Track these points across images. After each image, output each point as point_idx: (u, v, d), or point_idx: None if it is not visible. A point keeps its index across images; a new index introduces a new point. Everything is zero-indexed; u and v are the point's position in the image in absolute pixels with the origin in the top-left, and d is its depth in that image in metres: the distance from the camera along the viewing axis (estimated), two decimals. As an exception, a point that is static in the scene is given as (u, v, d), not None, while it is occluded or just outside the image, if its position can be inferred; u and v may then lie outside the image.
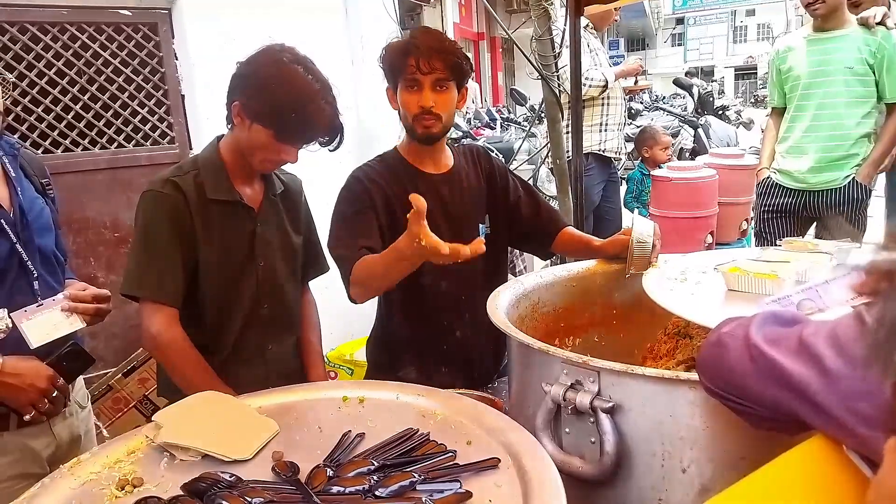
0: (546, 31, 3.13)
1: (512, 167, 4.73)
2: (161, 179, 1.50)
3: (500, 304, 1.46)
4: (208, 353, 1.51)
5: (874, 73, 2.76)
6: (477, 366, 1.81)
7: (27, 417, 1.36)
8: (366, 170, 1.71)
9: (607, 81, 3.70)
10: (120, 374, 2.39)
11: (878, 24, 2.77)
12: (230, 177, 1.55)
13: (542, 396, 1.14)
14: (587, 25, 3.67)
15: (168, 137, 2.80)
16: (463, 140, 5.69)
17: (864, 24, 2.79)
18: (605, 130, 3.83)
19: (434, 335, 1.76)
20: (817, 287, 1.10)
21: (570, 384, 1.11)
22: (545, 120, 3.58)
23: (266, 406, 1.17)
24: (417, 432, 1.01)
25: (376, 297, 1.82)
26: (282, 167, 1.67)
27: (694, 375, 0.96)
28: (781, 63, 2.97)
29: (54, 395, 1.39)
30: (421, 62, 1.57)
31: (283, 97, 1.42)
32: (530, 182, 4.81)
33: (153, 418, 1.07)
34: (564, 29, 3.02)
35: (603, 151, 3.84)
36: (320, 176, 2.04)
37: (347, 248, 1.53)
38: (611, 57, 4.85)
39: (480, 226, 1.79)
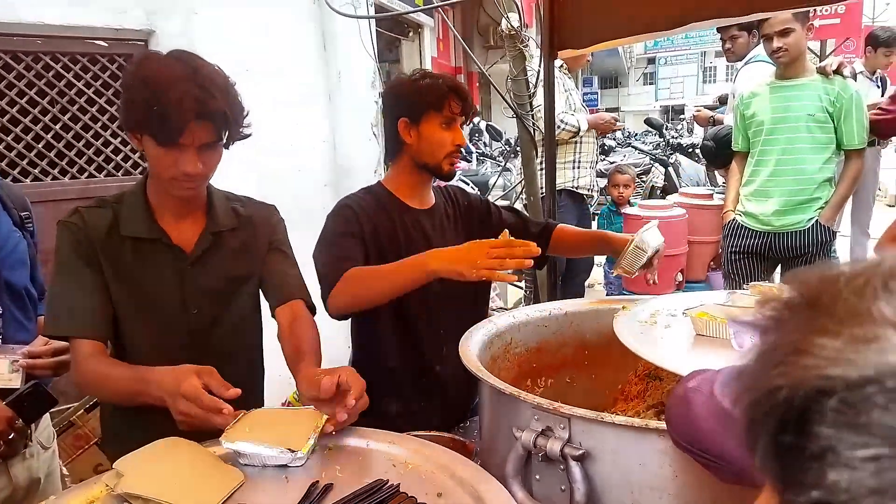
0: (521, 72, 3.19)
1: (486, 202, 4.77)
2: (73, 209, 1.37)
3: (473, 346, 1.45)
4: None
5: (833, 120, 2.86)
6: (452, 400, 1.80)
7: (-19, 459, 1.31)
8: (355, 199, 1.74)
9: (579, 128, 3.78)
10: (82, 410, 2.32)
11: (835, 72, 2.88)
12: (154, 212, 1.39)
13: (512, 442, 1.13)
14: (561, 66, 3.75)
15: (140, 168, 2.77)
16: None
17: (822, 72, 2.90)
18: (578, 168, 3.90)
19: (414, 368, 1.76)
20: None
21: (540, 430, 1.10)
22: (520, 154, 3.63)
23: (230, 453, 1.14)
24: (387, 484, 1.00)
25: (350, 330, 1.83)
26: (251, 198, 1.58)
27: (663, 424, 0.97)
28: (745, 109, 3.06)
29: (11, 437, 1.34)
30: (464, 105, 1.68)
31: (141, 95, 1.24)
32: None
33: (114, 465, 1.04)
34: (539, 69, 3.09)
35: (576, 188, 3.91)
36: (297, 207, 2.03)
37: (333, 263, 1.56)
38: (585, 94, 4.97)
39: None
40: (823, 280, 0.35)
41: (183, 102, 1.22)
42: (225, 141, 1.34)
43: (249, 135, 1.38)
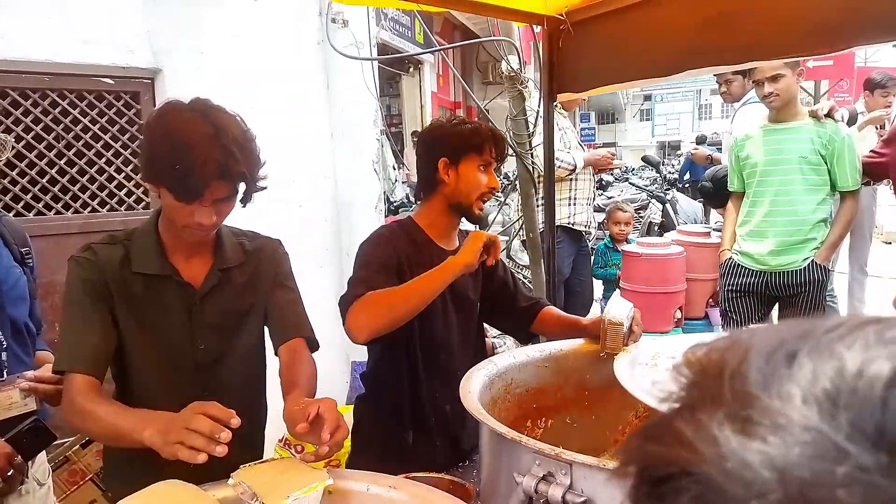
0: (521, 112, 3.24)
1: (485, 237, 4.81)
2: (85, 245, 1.39)
3: (473, 387, 1.45)
4: None
5: (826, 163, 2.90)
6: (458, 438, 1.81)
7: (-22, 497, 1.30)
8: (392, 228, 1.83)
9: (576, 166, 3.83)
10: (78, 446, 2.30)
11: (826, 116, 2.93)
12: (165, 249, 1.41)
13: (513, 487, 1.13)
14: (556, 105, 3.81)
15: (143, 203, 2.80)
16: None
17: (814, 116, 2.95)
18: (575, 204, 3.93)
19: (421, 405, 1.77)
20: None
21: (542, 476, 1.10)
22: (518, 189, 3.67)
23: (228, 497, 1.14)
24: (387, 529, 0.99)
25: (367, 364, 1.87)
26: (257, 232, 1.61)
27: (664, 472, 0.97)
28: (739, 150, 3.10)
29: (9, 473, 1.34)
30: (500, 151, 1.78)
31: (163, 151, 1.26)
32: (503, 252, 4.87)
33: (114, 509, 1.03)
34: (538, 110, 3.14)
35: (573, 225, 3.93)
36: (299, 241, 2.05)
37: (362, 286, 1.60)
38: (582, 130, 5.05)
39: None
40: (706, 360, 0.35)
41: (206, 165, 1.23)
42: (242, 196, 1.36)
43: (265, 188, 1.39)
